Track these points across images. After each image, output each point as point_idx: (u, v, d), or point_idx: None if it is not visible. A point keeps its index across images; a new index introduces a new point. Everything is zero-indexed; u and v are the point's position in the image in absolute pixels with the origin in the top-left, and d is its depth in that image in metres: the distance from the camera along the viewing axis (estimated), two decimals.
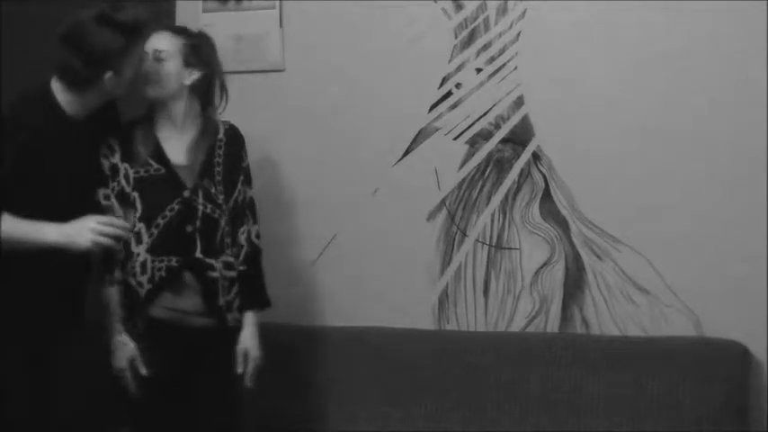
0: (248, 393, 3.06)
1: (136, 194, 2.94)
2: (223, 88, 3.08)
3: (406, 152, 3.49)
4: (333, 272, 3.57)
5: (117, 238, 2.81)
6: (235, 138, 3.10)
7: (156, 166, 2.96)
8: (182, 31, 3.06)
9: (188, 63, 2.98)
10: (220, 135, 3.06)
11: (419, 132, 3.47)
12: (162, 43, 2.97)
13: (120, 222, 2.83)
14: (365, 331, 3.46)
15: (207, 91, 3.04)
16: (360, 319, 3.52)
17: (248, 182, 3.12)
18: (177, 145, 3.00)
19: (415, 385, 3.32)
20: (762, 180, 3.14)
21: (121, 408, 2.98)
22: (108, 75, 2.83)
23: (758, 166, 3.14)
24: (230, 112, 3.13)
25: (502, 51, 3.38)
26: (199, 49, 3.01)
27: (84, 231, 2.76)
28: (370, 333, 3.45)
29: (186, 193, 2.95)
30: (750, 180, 3.15)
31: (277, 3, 3.60)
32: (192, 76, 2.99)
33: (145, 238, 2.93)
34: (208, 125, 3.04)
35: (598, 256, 3.30)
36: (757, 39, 3.13)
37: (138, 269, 2.92)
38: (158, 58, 2.95)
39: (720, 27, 3.16)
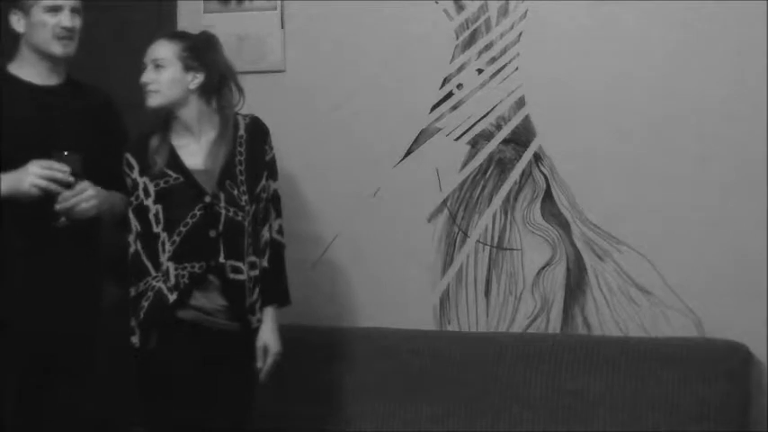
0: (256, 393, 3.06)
1: (159, 207, 2.93)
2: (236, 85, 3.04)
3: (408, 153, 3.49)
4: (334, 273, 3.58)
5: (59, 183, 2.76)
6: (257, 131, 3.06)
7: (174, 175, 2.94)
8: (179, 36, 3.03)
9: (189, 67, 2.95)
10: (241, 131, 3.03)
11: (420, 133, 3.47)
12: (159, 51, 2.95)
13: (59, 165, 2.76)
14: (366, 332, 3.46)
15: (218, 91, 3.01)
16: (361, 319, 3.52)
17: (272, 175, 3.07)
18: (195, 150, 2.98)
19: (417, 386, 3.32)
20: (762, 180, 3.15)
21: (136, 407, 2.98)
22: (12, 10, 2.87)
23: (758, 167, 3.15)
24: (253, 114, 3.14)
25: (503, 52, 3.38)
26: (199, 52, 2.98)
27: (24, 176, 2.74)
28: (371, 334, 3.45)
29: (207, 199, 2.93)
30: (750, 180, 3.16)
31: (278, 4, 3.60)
32: (196, 80, 2.97)
33: (167, 246, 2.91)
34: (225, 125, 3.01)
35: (599, 257, 3.31)
36: (757, 39, 3.13)
37: (161, 276, 2.91)
38: (157, 66, 2.93)
39: (720, 27, 3.17)
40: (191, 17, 3.69)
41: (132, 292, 2.94)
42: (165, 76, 2.93)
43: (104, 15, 3.56)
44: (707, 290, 3.20)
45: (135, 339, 2.93)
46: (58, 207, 2.80)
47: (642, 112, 3.26)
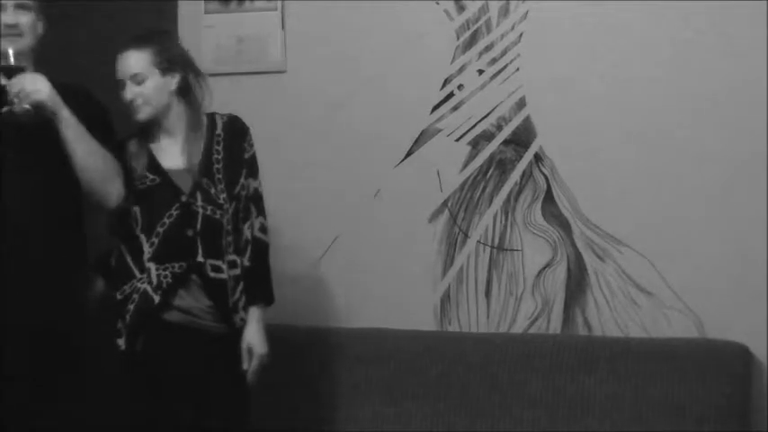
0: (251, 393, 3.05)
1: (137, 209, 2.93)
2: (201, 77, 3.01)
3: (408, 153, 3.49)
4: (335, 273, 3.57)
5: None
6: (235, 130, 3.04)
7: (151, 176, 2.94)
8: (145, 41, 2.96)
9: (165, 71, 2.93)
10: (218, 130, 3.02)
11: (421, 134, 3.47)
12: (133, 65, 2.91)
13: None
14: (367, 332, 3.46)
15: (188, 88, 2.99)
16: (361, 320, 3.52)
17: (253, 174, 3.05)
18: (173, 150, 2.97)
19: (417, 386, 3.32)
20: (762, 180, 3.15)
21: (131, 408, 2.98)
22: None
23: (758, 167, 3.15)
24: (232, 113, 3.12)
25: (504, 53, 3.38)
26: (169, 52, 2.96)
27: None
28: (371, 334, 3.44)
29: (184, 198, 2.93)
30: (750, 180, 3.16)
31: (279, 4, 3.60)
32: (174, 80, 2.95)
33: (146, 247, 2.91)
34: (197, 121, 2.99)
35: (600, 258, 3.31)
36: (757, 39, 3.13)
37: (146, 278, 2.92)
38: (138, 82, 2.90)
39: (721, 27, 3.17)
40: (191, 17, 3.69)
41: (118, 295, 2.94)
42: (147, 87, 2.91)
43: (104, 16, 3.57)
44: (707, 290, 3.20)
45: (121, 342, 2.93)
46: (9, 97, 2.74)
47: (643, 113, 3.26)
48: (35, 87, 2.76)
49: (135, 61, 2.91)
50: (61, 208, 2.88)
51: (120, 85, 2.92)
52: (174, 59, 2.96)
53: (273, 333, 3.10)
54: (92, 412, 3.05)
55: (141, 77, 2.90)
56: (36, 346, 2.84)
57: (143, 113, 2.93)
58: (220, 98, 3.42)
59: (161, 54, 2.93)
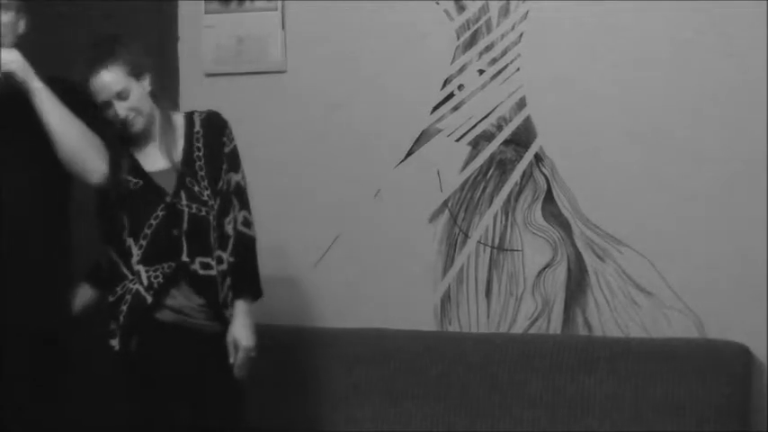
0: (249, 393, 3.05)
1: (123, 213, 2.92)
2: (157, 76, 3.00)
3: (409, 153, 3.49)
4: (335, 273, 3.57)
5: None
6: (213, 125, 3.02)
7: (134, 180, 2.93)
8: (112, 54, 2.91)
9: (138, 75, 2.92)
10: (197, 127, 3.01)
11: (421, 134, 3.47)
12: (113, 84, 2.87)
13: None
14: (367, 333, 3.46)
15: (155, 86, 2.99)
16: (362, 320, 3.52)
17: (234, 167, 3.02)
18: (153, 152, 2.97)
19: (417, 387, 3.32)
20: (761, 180, 3.14)
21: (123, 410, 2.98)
22: None
23: (758, 167, 3.14)
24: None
25: (504, 53, 3.38)
26: (131, 55, 2.92)
27: None
28: (371, 334, 3.45)
29: (168, 198, 2.92)
30: (750, 180, 3.16)
31: (279, 4, 3.60)
32: (146, 81, 2.95)
33: (135, 250, 2.91)
34: (165, 118, 2.98)
35: (600, 258, 3.31)
36: (757, 39, 3.13)
37: (137, 279, 2.92)
38: (124, 98, 2.88)
39: (721, 27, 3.17)
40: (191, 17, 3.70)
41: (110, 297, 2.94)
42: (133, 99, 2.89)
43: (105, 17, 3.57)
44: (707, 290, 3.20)
45: (115, 342, 2.93)
46: None
47: (643, 113, 3.26)
48: (7, 58, 2.74)
49: (112, 79, 2.87)
50: (45, 190, 2.86)
51: (105, 106, 2.88)
52: (139, 62, 2.93)
53: (273, 333, 3.12)
54: (87, 413, 3.06)
55: (125, 92, 2.88)
56: (34, 346, 2.85)
57: (138, 124, 2.92)
58: (220, 98, 3.45)
59: (129, 62, 2.90)
